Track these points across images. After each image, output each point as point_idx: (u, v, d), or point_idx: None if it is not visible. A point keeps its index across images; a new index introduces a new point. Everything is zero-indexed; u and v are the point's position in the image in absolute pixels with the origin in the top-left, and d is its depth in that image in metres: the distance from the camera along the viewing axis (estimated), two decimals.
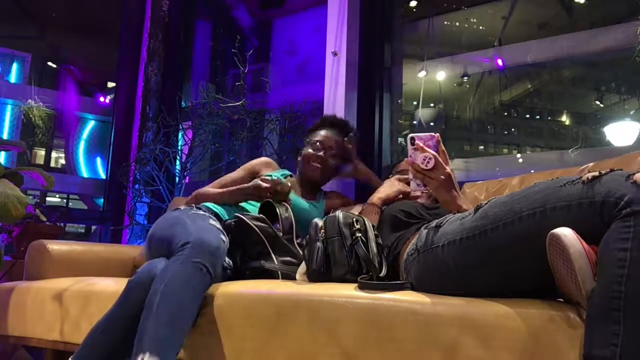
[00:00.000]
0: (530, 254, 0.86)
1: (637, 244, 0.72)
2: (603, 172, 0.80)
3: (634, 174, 0.77)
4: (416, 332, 0.91)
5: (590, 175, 0.80)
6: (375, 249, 1.14)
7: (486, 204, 0.95)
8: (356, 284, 1.05)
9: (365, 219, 1.20)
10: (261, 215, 1.42)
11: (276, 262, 1.34)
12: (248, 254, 1.37)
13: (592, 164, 1.53)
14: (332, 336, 0.97)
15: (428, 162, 1.13)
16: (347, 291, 1.01)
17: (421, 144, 1.15)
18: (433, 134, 1.16)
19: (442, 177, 1.14)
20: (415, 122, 5.00)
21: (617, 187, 0.77)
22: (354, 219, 1.17)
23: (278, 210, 1.45)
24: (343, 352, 0.96)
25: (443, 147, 1.17)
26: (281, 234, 1.40)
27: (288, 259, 1.36)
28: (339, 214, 1.18)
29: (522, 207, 0.86)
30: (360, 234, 1.14)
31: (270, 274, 1.32)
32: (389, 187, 1.54)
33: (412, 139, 1.17)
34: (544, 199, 0.83)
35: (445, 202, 1.17)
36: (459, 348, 0.87)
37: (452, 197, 1.15)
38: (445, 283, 0.98)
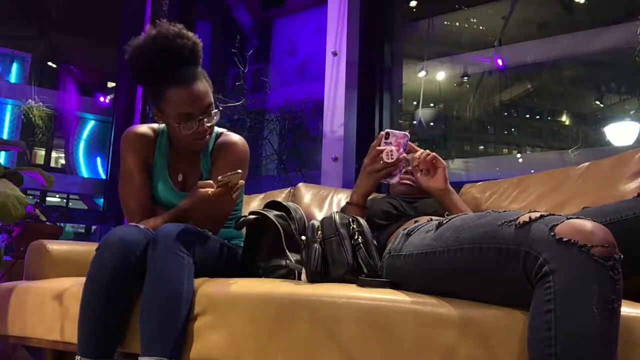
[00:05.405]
0: (468, 283, 0.91)
1: (560, 303, 0.74)
2: (534, 217, 0.81)
3: (556, 224, 0.77)
4: (416, 332, 0.91)
5: (522, 219, 0.81)
6: (374, 252, 1.14)
7: (447, 221, 0.98)
8: (356, 284, 1.06)
9: (360, 219, 1.19)
10: (282, 213, 1.42)
11: (293, 261, 1.33)
12: (261, 251, 1.36)
13: (587, 163, 1.52)
14: (332, 336, 0.97)
15: (390, 156, 1.28)
16: (347, 291, 1.01)
17: (393, 140, 1.30)
18: (406, 133, 1.31)
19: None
20: (415, 122, 4.99)
21: (539, 240, 0.78)
22: (350, 219, 1.17)
23: (291, 211, 1.44)
24: (343, 352, 0.96)
25: (412, 146, 1.32)
26: (297, 234, 1.40)
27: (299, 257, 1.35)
28: (335, 215, 1.18)
29: (465, 238, 0.89)
30: (361, 237, 1.13)
31: (287, 274, 1.32)
32: (366, 179, 1.37)
33: (387, 133, 1.31)
34: (483, 236, 0.86)
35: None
36: (459, 348, 0.87)
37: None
38: (407, 289, 1.01)
